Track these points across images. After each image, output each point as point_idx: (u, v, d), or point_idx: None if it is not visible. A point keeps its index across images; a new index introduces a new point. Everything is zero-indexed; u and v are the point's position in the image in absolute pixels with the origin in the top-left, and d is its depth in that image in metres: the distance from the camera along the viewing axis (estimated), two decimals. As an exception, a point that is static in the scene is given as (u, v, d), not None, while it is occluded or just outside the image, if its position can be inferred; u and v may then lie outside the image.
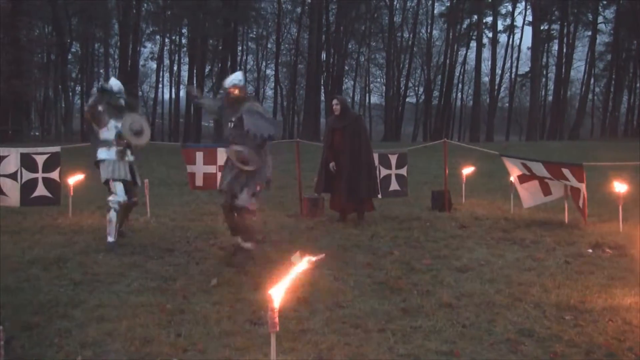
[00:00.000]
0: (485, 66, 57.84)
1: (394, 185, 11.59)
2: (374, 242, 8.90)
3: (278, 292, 3.70)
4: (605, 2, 54.55)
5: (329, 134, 10.69)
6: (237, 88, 7.59)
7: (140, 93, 58.68)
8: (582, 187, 9.45)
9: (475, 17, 55.13)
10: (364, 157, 10.34)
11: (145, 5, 50.07)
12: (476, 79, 55.32)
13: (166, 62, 57.00)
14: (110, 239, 8.17)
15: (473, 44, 57.22)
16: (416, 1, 58.03)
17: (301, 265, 3.76)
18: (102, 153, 8.39)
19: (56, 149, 10.08)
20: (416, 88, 64.23)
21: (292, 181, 11.68)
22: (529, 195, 10.61)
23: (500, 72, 59.59)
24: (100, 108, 8.32)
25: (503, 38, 59.68)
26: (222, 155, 9.23)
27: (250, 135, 7.10)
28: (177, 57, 56.19)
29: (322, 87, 53.88)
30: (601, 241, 8.64)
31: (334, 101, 10.77)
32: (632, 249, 8.09)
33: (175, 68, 56.86)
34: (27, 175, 9.66)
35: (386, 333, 5.04)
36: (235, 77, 7.75)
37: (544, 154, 24.90)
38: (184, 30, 52.00)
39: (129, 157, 8.53)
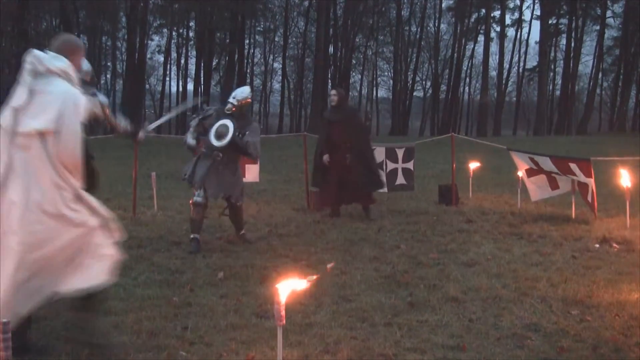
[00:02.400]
0: (493, 60, 57.64)
1: (401, 179, 11.58)
2: (381, 235, 8.89)
3: (285, 286, 3.70)
4: (614, -4, 54.32)
5: (325, 126, 10.63)
6: (247, 100, 8.25)
7: (147, 86, 58.83)
8: (591, 182, 9.42)
9: (483, 11, 54.87)
10: (362, 150, 10.27)
11: (152, -2, 50.07)
12: (484, 73, 55.06)
13: (173, 55, 57.08)
14: None
15: (481, 38, 57.00)
16: (424, -5, 57.93)
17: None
18: None
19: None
20: (424, 82, 64.19)
21: (299, 175, 11.67)
22: (536, 188, 10.59)
23: (507, 66, 59.44)
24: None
25: (511, 32, 59.48)
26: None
27: (250, 152, 8.14)
28: (184, 51, 56.23)
29: (330, 81, 53.82)
30: (608, 236, 8.62)
31: (332, 92, 10.72)
32: (639, 244, 8.07)
33: (182, 61, 56.92)
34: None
35: (392, 327, 5.04)
36: (246, 91, 8.41)
37: (552, 148, 24.81)
38: (192, 24, 51.99)
39: None
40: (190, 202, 8.04)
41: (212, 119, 8.08)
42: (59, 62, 4.11)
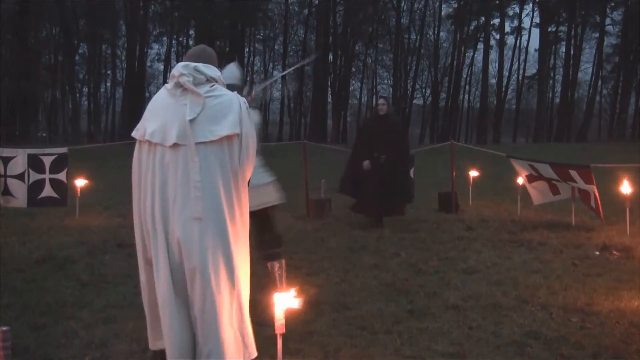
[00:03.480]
0: (493, 68, 57.64)
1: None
2: (381, 243, 8.88)
3: (285, 295, 3.71)
4: (613, 4, 54.36)
5: (367, 133, 10.56)
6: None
7: (147, 94, 58.90)
8: (592, 188, 9.41)
9: (483, 18, 55.00)
10: (403, 161, 10.25)
11: (152, 6, 50.18)
12: (483, 81, 55.16)
13: (173, 63, 57.09)
14: None
15: (480, 45, 57.08)
16: (423, 3, 57.98)
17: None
18: None
19: (63, 150, 10.10)
20: (423, 90, 64.17)
21: (299, 182, 11.66)
22: (538, 193, 10.62)
23: (507, 74, 59.41)
24: None
25: (510, 40, 59.50)
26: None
27: None
28: (184, 59, 56.29)
29: (329, 89, 53.88)
30: (608, 243, 8.61)
31: (381, 100, 10.61)
32: (639, 251, 8.07)
33: (182, 69, 56.95)
34: (34, 176, 9.67)
35: (393, 335, 5.03)
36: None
37: (552, 155, 24.82)
38: (191, 32, 52.12)
39: None
40: None
41: None
42: (214, 71, 4.00)
